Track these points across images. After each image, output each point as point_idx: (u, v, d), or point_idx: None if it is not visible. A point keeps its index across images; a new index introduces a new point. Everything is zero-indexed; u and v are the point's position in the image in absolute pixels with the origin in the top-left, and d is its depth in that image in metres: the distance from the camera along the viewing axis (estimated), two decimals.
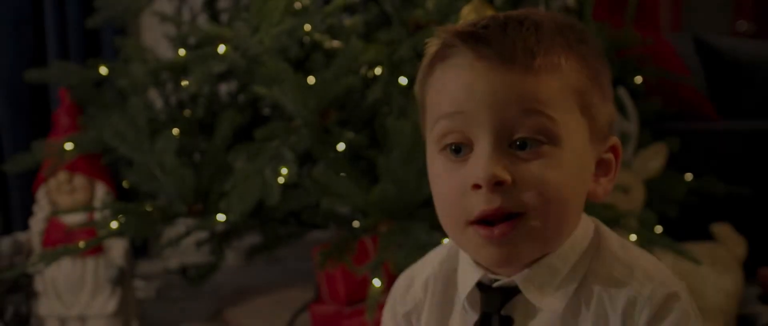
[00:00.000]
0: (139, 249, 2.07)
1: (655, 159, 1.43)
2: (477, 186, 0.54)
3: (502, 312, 0.59)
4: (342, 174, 1.16)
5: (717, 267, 1.35)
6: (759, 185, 1.73)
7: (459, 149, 0.57)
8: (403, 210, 1.17)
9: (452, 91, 0.57)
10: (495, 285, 0.60)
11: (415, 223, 1.14)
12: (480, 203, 0.55)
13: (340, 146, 1.22)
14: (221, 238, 1.52)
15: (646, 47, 1.73)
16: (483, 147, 0.55)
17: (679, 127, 1.75)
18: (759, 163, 1.81)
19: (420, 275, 0.68)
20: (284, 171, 1.11)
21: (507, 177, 0.54)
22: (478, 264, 0.61)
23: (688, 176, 1.63)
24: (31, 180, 1.94)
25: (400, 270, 0.75)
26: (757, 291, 1.53)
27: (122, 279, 1.57)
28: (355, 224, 1.29)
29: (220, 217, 1.26)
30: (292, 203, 1.27)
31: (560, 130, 0.55)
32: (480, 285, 0.61)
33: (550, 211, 0.55)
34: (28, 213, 1.79)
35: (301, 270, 2.23)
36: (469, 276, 0.61)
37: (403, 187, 1.14)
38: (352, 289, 1.49)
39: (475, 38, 0.56)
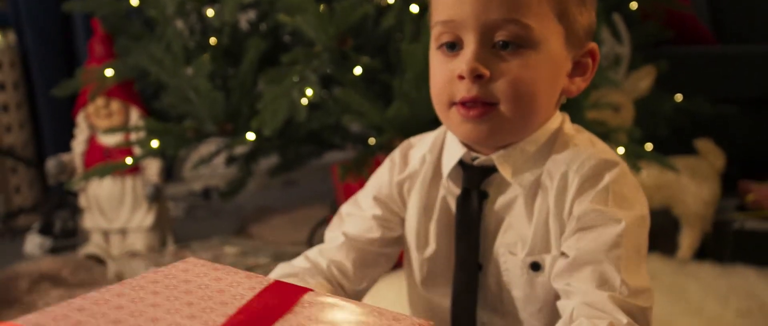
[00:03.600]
0: (166, 174, 2.20)
1: (644, 79, 1.53)
2: (461, 77, 0.66)
3: (480, 188, 0.72)
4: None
5: (697, 178, 1.47)
6: (745, 105, 1.85)
7: (452, 46, 0.68)
8: (416, 127, 1.28)
9: (446, 1, 0.68)
10: (475, 162, 0.72)
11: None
12: (462, 90, 0.66)
13: (357, 70, 1.33)
14: (248, 157, 1.65)
15: None
16: (469, 46, 0.66)
17: (672, 51, 1.85)
18: (746, 83, 1.92)
19: (418, 149, 0.79)
20: (309, 91, 1.23)
21: (486, 72, 0.65)
22: (461, 144, 0.73)
23: (678, 97, 1.74)
24: (60, 109, 2.06)
25: None
26: (737, 201, 1.67)
27: (158, 196, 1.72)
28: (371, 141, 1.42)
29: (250, 136, 1.38)
30: (314, 122, 1.40)
31: (536, 35, 0.66)
32: (462, 164, 0.73)
33: (519, 104, 0.66)
34: (60, 140, 1.91)
35: (317, 192, 2.37)
36: (453, 154, 0.73)
37: (415, 106, 1.26)
38: None
39: None
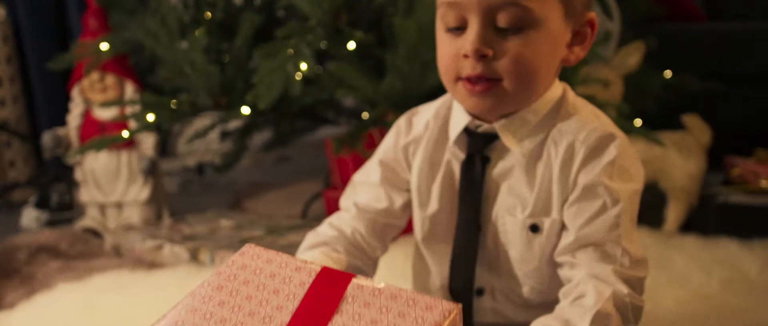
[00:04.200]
0: (160, 149, 2.21)
1: (633, 55, 1.55)
2: (466, 56, 0.71)
3: (483, 153, 0.78)
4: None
5: (684, 152, 1.50)
6: (732, 82, 1.88)
7: (457, 27, 0.72)
8: (408, 101, 1.31)
9: None
10: (479, 130, 0.77)
11: None
12: (467, 68, 0.71)
13: (351, 45, 1.34)
14: (243, 132, 1.66)
15: None
16: (473, 27, 0.70)
17: (661, 28, 1.87)
18: (734, 61, 1.95)
19: (423, 115, 0.85)
20: (303, 66, 1.24)
21: (489, 51, 0.70)
22: (467, 112, 0.78)
23: (667, 73, 1.77)
24: (53, 84, 2.07)
25: None
26: (723, 176, 1.71)
27: (153, 170, 1.74)
28: (365, 115, 1.44)
29: (245, 110, 1.40)
30: (308, 97, 1.41)
31: (536, 16, 0.70)
32: (467, 131, 0.78)
33: (521, 79, 0.71)
34: (54, 115, 1.92)
35: (311, 168, 2.39)
36: (459, 122, 0.79)
37: (408, 80, 1.28)
38: None
39: None
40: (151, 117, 1.40)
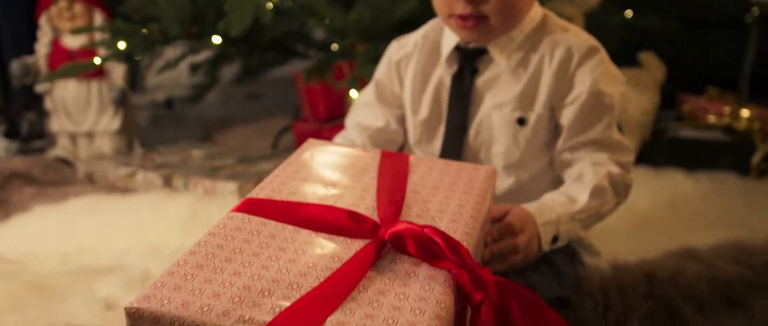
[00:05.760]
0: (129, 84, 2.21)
1: None
2: None
3: (473, 65, 0.89)
4: None
5: (639, 88, 1.58)
6: (689, 24, 1.94)
7: None
8: (377, 32, 1.35)
9: None
10: (469, 46, 0.89)
11: (386, 44, 1.32)
12: (458, 8, 0.83)
13: None
14: (213, 63, 1.68)
15: None
16: None
17: None
18: (691, 4, 2.01)
19: (410, 37, 0.97)
20: None
21: None
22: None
23: (628, 12, 1.82)
24: (19, 12, 2.03)
25: None
26: (675, 113, 1.80)
27: (124, 100, 1.75)
28: (334, 47, 1.47)
29: (216, 39, 1.42)
30: (279, 28, 1.44)
31: None
32: (458, 49, 0.89)
33: (506, 16, 0.84)
34: (20, 44, 1.89)
35: (280, 104, 2.41)
36: (450, 42, 0.90)
37: (377, 10, 1.31)
38: (331, 106, 1.70)
39: None
40: (122, 45, 1.41)
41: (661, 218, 1.33)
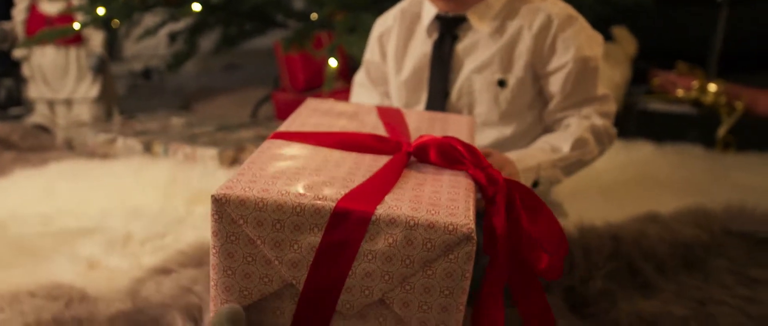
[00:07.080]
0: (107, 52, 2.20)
1: None
2: None
3: (453, 33, 0.94)
4: None
5: (610, 61, 1.62)
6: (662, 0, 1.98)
7: None
8: (356, 1, 1.37)
9: None
10: (449, 15, 0.94)
11: (364, 13, 1.34)
12: None
13: None
14: (192, 31, 1.68)
15: None
16: None
17: None
18: None
19: (389, 13, 1.02)
20: None
21: None
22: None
23: None
24: None
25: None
26: (646, 87, 1.84)
27: (102, 68, 1.75)
28: (313, 16, 1.49)
29: (196, 6, 1.43)
30: None
31: None
32: (438, 17, 0.94)
33: None
34: None
35: (259, 75, 2.41)
36: (430, 12, 0.95)
37: None
38: (310, 76, 1.72)
39: None
40: (101, 10, 1.41)
41: (629, 186, 1.38)
